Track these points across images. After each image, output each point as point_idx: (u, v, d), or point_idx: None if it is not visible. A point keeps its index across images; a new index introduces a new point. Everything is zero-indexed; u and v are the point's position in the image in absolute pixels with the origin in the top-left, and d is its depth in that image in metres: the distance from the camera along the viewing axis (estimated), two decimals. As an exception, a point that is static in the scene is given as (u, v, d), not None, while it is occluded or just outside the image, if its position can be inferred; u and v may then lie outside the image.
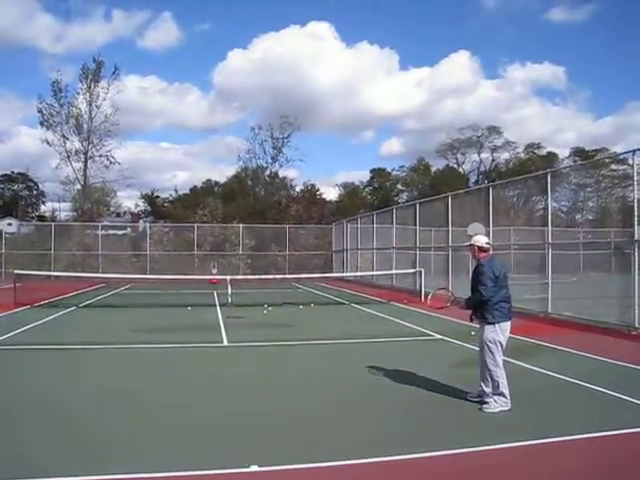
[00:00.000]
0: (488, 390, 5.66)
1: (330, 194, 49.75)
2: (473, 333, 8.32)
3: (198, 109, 67.03)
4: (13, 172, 45.14)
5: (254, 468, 4.01)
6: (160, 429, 4.99)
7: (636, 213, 10.28)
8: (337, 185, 53.32)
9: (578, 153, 47.21)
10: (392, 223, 23.04)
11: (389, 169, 54.13)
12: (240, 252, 32.34)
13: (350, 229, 29.34)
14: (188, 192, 46.37)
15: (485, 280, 5.63)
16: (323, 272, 28.77)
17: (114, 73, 37.62)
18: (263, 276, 23.42)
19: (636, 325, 10.23)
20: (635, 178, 10.56)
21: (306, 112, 64.64)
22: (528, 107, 65.85)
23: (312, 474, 4.04)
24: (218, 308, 15.27)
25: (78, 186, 38.54)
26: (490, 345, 5.64)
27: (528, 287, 14.11)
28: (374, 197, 50.94)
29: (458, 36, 71.17)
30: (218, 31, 70.03)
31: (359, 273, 26.25)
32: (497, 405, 5.52)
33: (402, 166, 54.70)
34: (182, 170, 77.80)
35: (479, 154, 52.38)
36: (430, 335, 10.57)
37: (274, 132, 42.54)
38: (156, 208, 45.73)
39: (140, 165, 71.45)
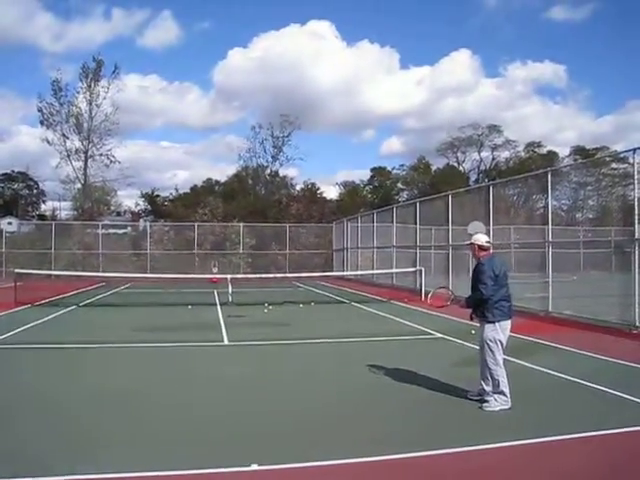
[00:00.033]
0: (488, 389, 5.66)
1: (330, 193, 49.83)
2: (473, 332, 8.32)
3: (198, 108, 67.07)
4: (13, 171, 45.20)
5: (255, 467, 4.02)
6: (161, 428, 4.99)
7: (636, 212, 10.27)
8: (337, 184, 53.41)
9: (578, 152, 47.17)
10: (392, 222, 23.04)
11: (389, 168, 54.23)
12: (240, 251, 32.34)
13: (350, 228, 29.34)
14: (188, 191, 46.44)
15: (485, 279, 5.63)
16: (323, 271, 28.77)
17: (114, 72, 37.65)
18: (263, 275, 23.42)
19: (636, 324, 10.22)
20: (635, 177, 10.55)
21: (306, 111, 64.88)
22: (528, 106, 65.91)
23: (312, 473, 4.04)
24: (218, 307, 15.28)
25: (78, 185, 38.58)
26: (490, 344, 5.64)
27: (528, 286, 14.11)
28: (374, 196, 50.94)
29: (459, 35, 71.26)
30: (218, 30, 70.09)
31: (359, 272, 26.23)
32: (497, 404, 5.52)
33: (402, 165, 54.80)
34: (182, 169, 78.05)
35: (479, 153, 52.42)
36: (430, 334, 10.57)
37: (274, 131, 42.62)
38: (156, 207, 45.77)
39: (140, 164, 71.16)
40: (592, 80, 70.19)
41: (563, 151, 50.41)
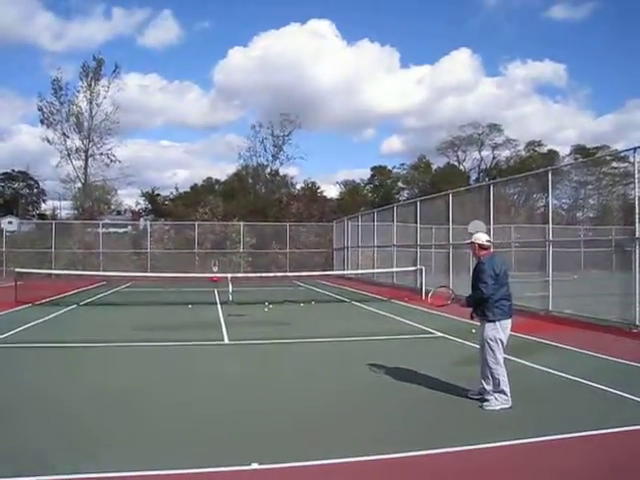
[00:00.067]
0: (489, 388, 5.66)
1: (331, 192, 49.88)
2: (474, 331, 8.32)
3: (199, 107, 67.17)
4: (14, 170, 45.28)
5: (255, 466, 4.02)
6: (161, 427, 5.00)
7: (637, 211, 10.26)
8: (338, 183, 53.48)
9: (579, 151, 47.17)
10: (393, 221, 23.04)
11: (390, 167, 54.27)
12: (241, 250, 32.35)
13: (351, 227, 29.35)
14: (189, 190, 46.50)
15: (486, 278, 5.62)
16: (324, 270, 28.75)
17: (114, 71, 37.68)
18: (264, 274, 23.41)
19: (637, 323, 10.22)
20: (636, 176, 10.54)
21: (307, 110, 64.90)
22: (529, 105, 65.96)
23: (313, 472, 4.04)
24: (219, 306, 15.28)
25: (79, 184, 38.64)
26: (491, 343, 5.64)
27: (529, 285, 14.10)
28: (375, 195, 50.98)
29: (459, 34, 71.33)
30: (218, 29, 70.18)
31: (360, 271, 26.24)
32: (498, 403, 5.52)
33: (403, 164, 54.83)
34: (183, 168, 78.10)
35: (480, 152, 52.44)
36: (431, 333, 10.57)
37: (275, 130, 42.62)
38: (157, 206, 45.84)
39: (141, 163, 71.50)
40: (592, 79, 70.51)
41: (563, 150, 50.54)
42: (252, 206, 39.31)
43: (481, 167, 52.54)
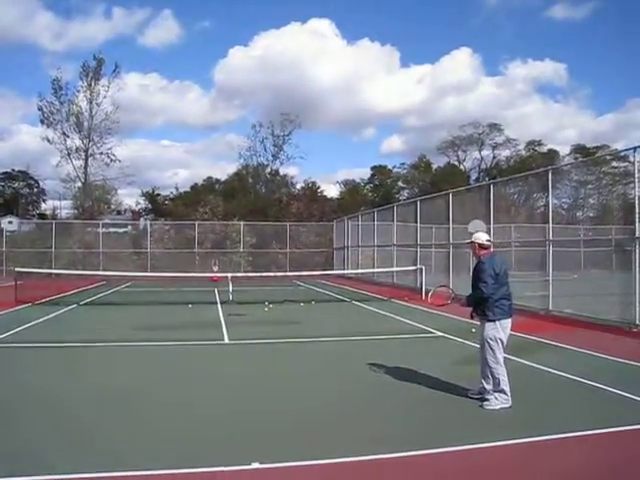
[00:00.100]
0: (489, 387, 5.66)
1: (331, 191, 49.92)
2: (474, 330, 8.32)
3: (199, 107, 67.21)
4: (14, 170, 45.29)
5: (256, 465, 4.02)
6: (161, 426, 5.00)
7: (637, 210, 10.26)
8: (338, 182, 53.52)
9: (579, 150, 47.17)
10: (393, 220, 23.04)
11: (390, 166, 54.31)
12: (241, 250, 32.36)
13: (351, 226, 29.35)
14: (189, 190, 46.54)
15: (486, 277, 5.62)
16: (324, 269, 28.74)
17: (115, 71, 37.70)
18: (264, 274, 23.43)
19: (637, 322, 10.22)
20: (636, 175, 10.54)
21: (307, 109, 64.97)
22: (529, 104, 66.00)
23: (312, 471, 4.04)
24: (219, 306, 15.29)
25: (79, 184, 38.65)
26: (491, 342, 5.64)
27: (529, 284, 14.11)
28: (375, 194, 51.01)
29: (459, 33, 71.48)
30: (219, 28, 70.24)
31: (360, 270, 26.25)
32: (498, 402, 5.52)
33: (403, 163, 54.87)
34: (183, 168, 78.26)
35: (480, 151, 52.46)
36: (431, 332, 10.58)
37: (275, 129, 42.63)
38: (157, 206, 45.86)
39: (141, 163, 71.53)
40: (592, 79, 70.50)
41: (564, 149, 50.54)
42: (252, 206, 39.32)
43: (481, 167, 52.62)
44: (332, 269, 29.82)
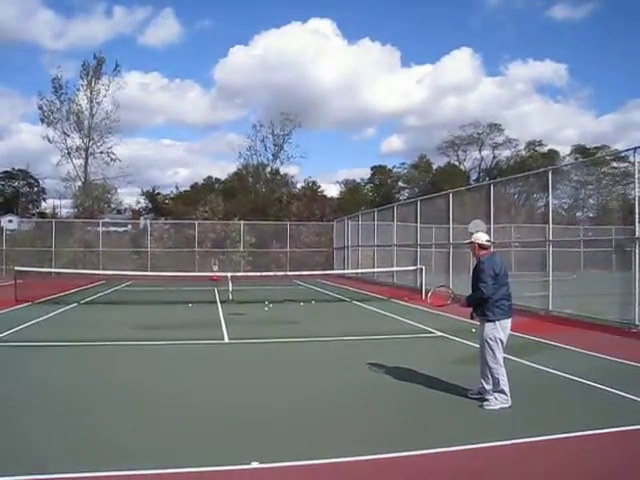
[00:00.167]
0: (488, 387, 5.66)
1: (331, 191, 49.95)
2: (474, 330, 8.32)
3: (199, 106, 67.22)
4: (14, 169, 45.23)
5: (255, 465, 4.03)
6: (161, 426, 5.00)
7: (637, 211, 10.26)
8: (338, 182, 53.54)
9: (579, 150, 47.18)
10: (393, 220, 23.05)
11: (390, 166, 54.32)
12: (241, 249, 32.37)
13: (351, 226, 29.36)
14: (189, 189, 46.56)
15: (485, 278, 5.63)
16: (324, 269, 28.76)
17: (115, 69, 37.71)
18: (264, 273, 23.44)
19: (636, 322, 10.22)
20: (636, 176, 10.55)
21: (307, 109, 64.90)
22: (529, 104, 66.00)
23: (313, 471, 4.05)
24: (219, 305, 15.29)
25: (79, 183, 38.61)
26: (491, 342, 5.64)
27: (529, 284, 14.10)
28: (375, 194, 51.02)
29: (460, 33, 71.56)
30: (219, 28, 70.31)
31: (360, 270, 26.26)
32: (497, 402, 5.52)
33: (403, 163, 54.87)
34: (183, 167, 78.19)
35: (480, 151, 52.44)
36: (431, 332, 10.58)
37: (275, 129, 42.63)
38: (157, 205, 45.90)
39: (141, 162, 71.46)
40: (593, 79, 70.57)
41: (564, 150, 50.53)
42: (252, 205, 39.34)
43: (481, 167, 52.60)
44: (332, 269, 29.84)
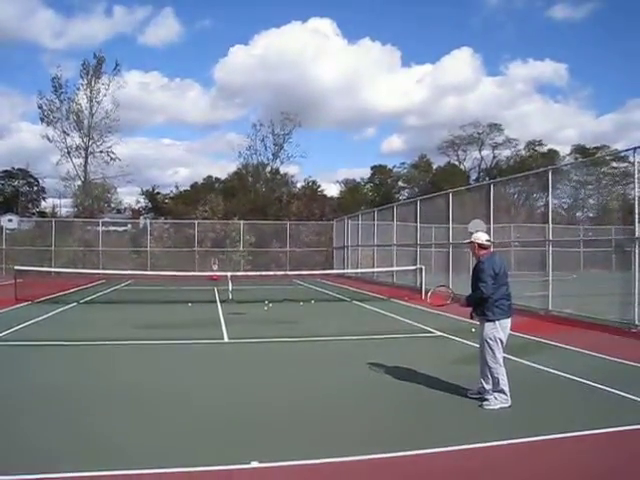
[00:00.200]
0: (488, 387, 5.67)
1: (331, 191, 49.97)
2: (473, 330, 8.33)
3: (199, 105, 67.24)
4: (13, 168, 45.19)
5: (255, 464, 4.03)
6: (161, 425, 5.00)
7: (637, 211, 10.26)
8: (338, 182, 53.57)
9: (579, 150, 47.20)
10: (393, 220, 23.05)
11: (390, 166, 54.32)
12: (241, 248, 32.38)
13: (351, 226, 29.35)
14: (189, 188, 46.55)
15: (485, 277, 5.63)
16: (324, 269, 28.78)
17: (115, 69, 37.71)
18: (264, 272, 23.44)
19: (636, 322, 10.22)
20: (636, 176, 10.55)
21: (307, 108, 64.87)
22: (529, 104, 66.05)
23: (312, 470, 4.05)
24: (219, 304, 15.29)
25: (79, 182, 38.62)
26: (490, 342, 5.64)
27: (529, 284, 14.10)
28: (375, 194, 51.04)
29: (460, 33, 71.62)
30: (219, 27, 70.34)
31: (360, 270, 26.26)
32: (497, 402, 5.53)
33: (403, 163, 54.89)
34: (183, 166, 78.21)
35: (480, 151, 52.48)
36: (431, 332, 10.58)
37: (275, 128, 42.62)
38: (157, 204, 45.89)
39: (141, 161, 71.51)
40: (593, 79, 70.59)
41: (564, 150, 50.56)
42: (252, 205, 39.33)
43: (481, 166, 52.63)
44: (332, 268, 29.86)
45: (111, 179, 39.22)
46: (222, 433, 4.81)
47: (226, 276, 17.11)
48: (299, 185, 45.35)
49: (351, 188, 51.05)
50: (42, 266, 24.88)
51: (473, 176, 51.71)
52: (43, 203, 47.39)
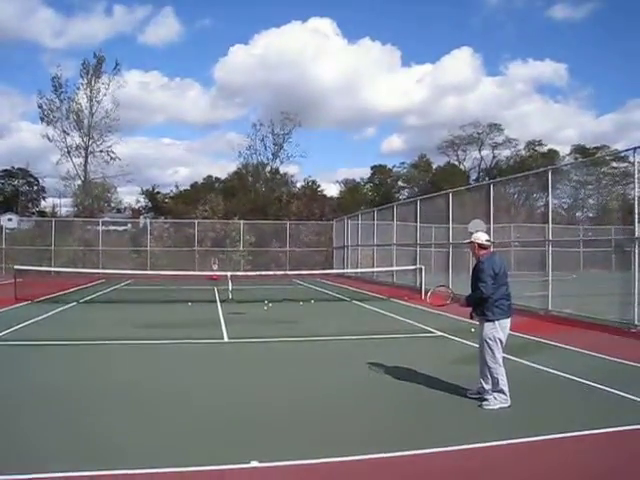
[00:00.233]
0: (488, 387, 5.67)
1: (331, 190, 49.99)
2: (473, 330, 8.33)
3: (199, 105, 67.22)
4: (13, 167, 45.14)
5: (254, 464, 4.03)
6: (161, 425, 5.00)
7: (636, 211, 10.26)
8: (338, 181, 53.58)
9: (579, 150, 47.18)
10: (393, 220, 23.05)
11: (390, 166, 54.30)
12: (241, 248, 32.38)
13: (351, 226, 29.36)
14: (189, 188, 46.54)
15: (485, 277, 5.63)
16: (324, 268, 28.79)
17: (115, 68, 37.68)
18: (264, 272, 23.44)
19: (636, 322, 10.23)
20: (636, 176, 10.55)
21: (307, 108, 64.82)
22: (529, 104, 66.02)
23: (312, 470, 4.05)
24: (218, 304, 15.29)
25: (79, 182, 38.59)
26: (490, 342, 5.64)
27: (528, 284, 14.11)
28: (375, 194, 51.03)
29: (460, 33, 71.62)
30: (219, 26, 70.29)
31: (360, 270, 26.26)
32: (497, 402, 5.53)
33: (403, 163, 54.88)
34: (183, 166, 78.19)
35: (480, 151, 52.46)
36: (430, 332, 10.58)
37: (275, 128, 42.61)
38: (157, 204, 45.87)
39: (141, 161, 71.44)
40: (593, 79, 70.58)
41: (564, 150, 50.54)
42: (252, 204, 39.34)
43: (481, 166, 52.62)
44: (332, 268, 29.87)
45: (111, 179, 39.23)
46: (222, 432, 4.82)
47: (226, 276, 17.11)
48: (299, 185, 45.44)
49: (351, 188, 51.05)
50: (42, 265, 24.90)
51: (473, 176, 51.77)
52: (43, 203, 47.42)
